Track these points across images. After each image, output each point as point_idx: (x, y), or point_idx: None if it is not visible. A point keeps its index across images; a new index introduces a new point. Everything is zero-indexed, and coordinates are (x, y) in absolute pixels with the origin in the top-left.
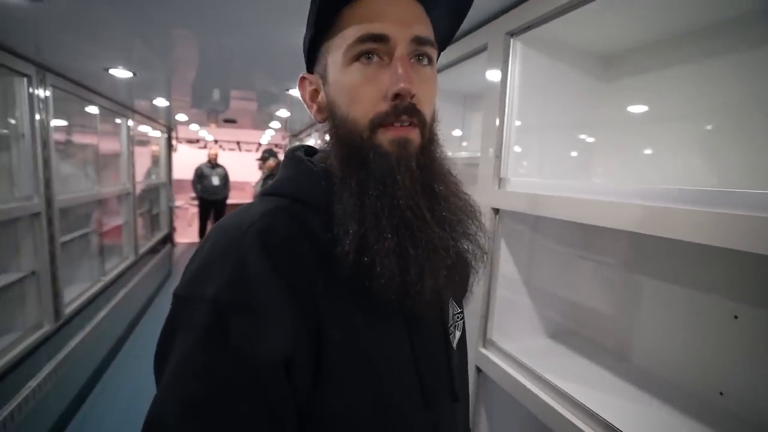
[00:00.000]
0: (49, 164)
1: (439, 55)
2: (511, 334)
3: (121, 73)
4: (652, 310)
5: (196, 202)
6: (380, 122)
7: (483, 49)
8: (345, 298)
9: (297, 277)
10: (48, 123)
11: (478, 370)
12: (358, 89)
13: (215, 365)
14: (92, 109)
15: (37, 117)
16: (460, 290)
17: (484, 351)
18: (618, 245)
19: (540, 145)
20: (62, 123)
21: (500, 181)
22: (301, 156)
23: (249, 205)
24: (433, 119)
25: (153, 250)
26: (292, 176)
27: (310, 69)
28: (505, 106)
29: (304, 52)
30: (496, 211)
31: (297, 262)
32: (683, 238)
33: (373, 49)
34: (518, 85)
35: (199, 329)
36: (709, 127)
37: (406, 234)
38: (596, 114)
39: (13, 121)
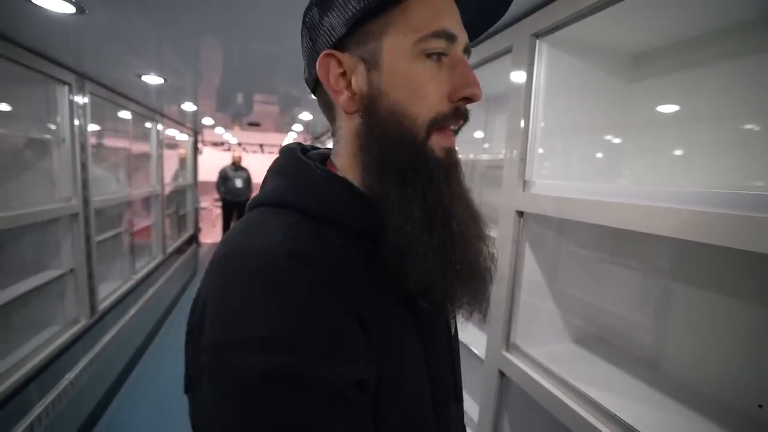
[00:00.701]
0: (87, 167)
1: None
2: (534, 338)
3: (152, 79)
4: (683, 317)
5: (219, 204)
6: (440, 124)
7: (508, 51)
8: (384, 314)
9: (347, 300)
10: (86, 128)
11: (501, 374)
12: (426, 85)
13: (290, 407)
14: (125, 114)
15: (76, 122)
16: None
17: (507, 355)
18: (647, 249)
19: (565, 147)
20: (98, 128)
21: (525, 183)
22: (306, 160)
23: (254, 223)
24: None
25: (179, 250)
26: (297, 185)
27: (335, 45)
28: (530, 108)
29: (336, 19)
30: (521, 214)
31: (342, 282)
32: (717, 243)
33: (443, 48)
34: (543, 86)
35: (257, 374)
36: (745, 127)
37: (458, 241)
38: (624, 115)
39: (54, 127)
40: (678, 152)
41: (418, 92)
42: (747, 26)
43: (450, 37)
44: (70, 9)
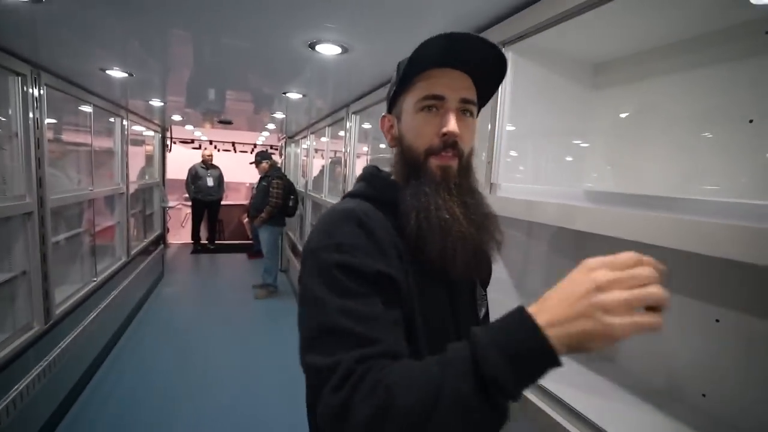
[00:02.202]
0: (43, 163)
1: (480, 108)
2: None
3: (117, 73)
4: None
5: (189, 203)
6: (432, 152)
7: None
8: (410, 264)
9: (387, 238)
10: (42, 122)
11: None
12: (421, 128)
13: (350, 282)
14: (86, 109)
15: (31, 116)
16: (485, 277)
17: None
18: (605, 250)
19: (532, 151)
20: (56, 122)
21: (492, 186)
22: (376, 172)
23: (343, 202)
24: (471, 154)
25: (145, 251)
26: (374, 185)
27: (389, 111)
28: (497, 113)
29: (387, 100)
30: None
31: (386, 231)
32: (659, 244)
33: (433, 103)
34: (510, 92)
35: (334, 253)
36: (700, 134)
37: (443, 227)
38: (587, 120)
39: (4, 119)
40: (637, 156)
41: (417, 133)
42: (703, 39)
43: (437, 98)
44: None
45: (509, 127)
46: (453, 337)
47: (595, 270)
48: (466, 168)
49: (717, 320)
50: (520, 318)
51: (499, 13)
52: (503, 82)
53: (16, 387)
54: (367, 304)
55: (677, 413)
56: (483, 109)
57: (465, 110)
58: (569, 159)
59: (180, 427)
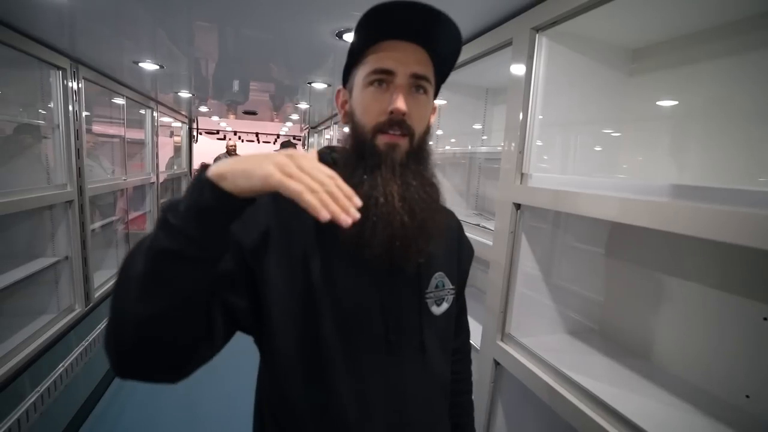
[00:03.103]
0: (81, 154)
1: (440, 83)
2: (529, 329)
3: (148, 65)
4: (675, 309)
5: None
6: (379, 129)
7: (508, 43)
8: (329, 246)
9: (290, 219)
10: (80, 114)
11: (496, 363)
12: (368, 105)
13: None
14: (119, 101)
15: (71, 108)
16: (455, 270)
17: (502, 344)
18: (642, 243)
19: (564, 140)
20: (89, 114)
21: (522, 176)
22: (323, 152)
23: None
24: (425, 134)
25: None
26: None
27: (344, 85)
28: (528, 101)
29: (342, 74)
30: (518, 206)
31: (295, 210)
32: (708, 237)
33: (381, 78)
34: (543, 79)
35: None
36: (742, 123)
37: (371, 205)
38: (622, 109)
39: (44, 112)
40: (675, 146)
41: (364, 110)
42: (746, 23)
43: (386, 72)
44: None
45: (540, 116)
46: (377, 323)
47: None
48: (417, 149)
49: (765, 318)
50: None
51: None
52: (535, 67)
53: (61, 364)
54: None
55: (718, 414)
56: (513, 97)
57: (418, 86)
58: (599, 149)
59: (207, 400)
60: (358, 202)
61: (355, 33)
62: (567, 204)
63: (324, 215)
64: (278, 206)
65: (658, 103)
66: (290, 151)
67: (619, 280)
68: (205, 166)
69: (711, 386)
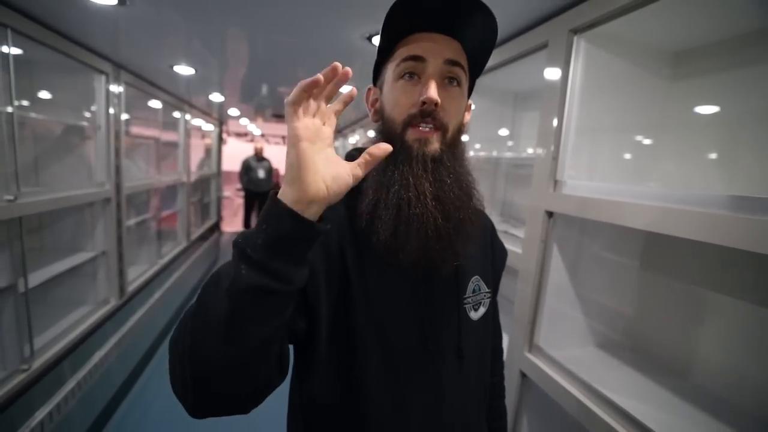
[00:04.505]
0: (120, 154)
1: (473, 80)
2: (558, 341)
3: (183, 69)
4: (715, 326)
5: (242, 194)
6: (409, 122)
7: (543, 46)
8: (364, 251)
9: (330, 233)
10: (120, 116)
11: (522, 374)
12: (398, 97)
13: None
14: (155, 104)
15: (111, 111)
16: (489, 273)
17: (529, 356)
18: (680, 255)
19: (598, 147)
20: (131, 116)
21: (556, 183)
22: (351, 153)
23: None
24: (459, 129)
25: (203, 237)
26: None
27: (375, 83)
28: (564, 107)
29: (373, 72)
30: (550, 214)
31: (331, 216)
32: (753, 250)
33: (412, 67)
34: (579, 84)
35: None
36: None
37: (403, 206)
38: (662, 114)
39: (90, 115)
40: (713, 155)
41: (395, 103)
42: None
43: (416, 58)
44: (113, 1)
45: (576, 122)
46: (415, 332)
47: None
48: (451, 144)
49: None
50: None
51: (568, 0)
52: (572, 71)
53: (96, 354)
54: None
55: None
56: (547, 102)
57: (451, 78)
58: (636, 156)
59: None
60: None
61: (383, 26)
62: (603, 213)
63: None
64: (346, 206)
65: (698, 109)
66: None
67: (653, 294)
68: (275, 191)
69: (752, 407)
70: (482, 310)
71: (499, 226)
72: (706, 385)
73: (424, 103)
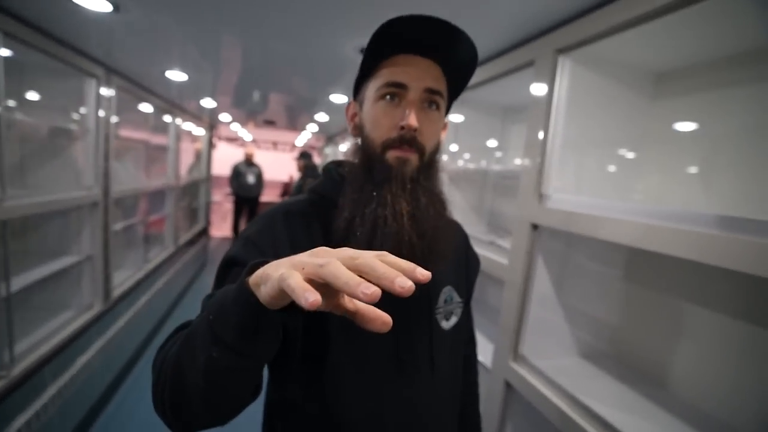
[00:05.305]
0: (109, 158)
1: (452, 99)
2: (542, 350)
3: (176, 75)
4: (693, 337)
5: (231, 198)
6: (389, 145)
7: (529, 64)
8: None
9: (303, 241)
10: (110, 120)
11: (507, 384)
12: (379, 119)
13: (233, 273)
14: (145, 108)
15: (101, 114)
16: (463, 282)
17: (514, 365)
18: (663, 269)
19: (583, 161)
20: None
21: (541, 196)
22: (329, 168)
23: (295, 197)
24: (436, 150)
25: (191, 242)
26: (322, 182)
27: (355, 98)
28: (549, 122)
29: (354, 86)
30: (535, 227)
31: (305, 232)
32: (729, 267)
33: (394, 92)
34: (564, 100)
35: (238, 245)
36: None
37: (380, 223)
38: (644, 131)
39: (76, 117)
40: (693, 170)
41: (375, 124)
42: None
43: (399, 86)
44: (108, 8)
45: (561, 137)
46: (387, 342)
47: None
48: (428, 165)
49: None
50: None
51: (554, 20)
52: (557, 88)
53: (79, 360)
54: None
55: None
56: (533, 117)
57: (431, 102)
58: (618, 171)
59: None
60: (425, 273)
61: (368, 46)
62: (587, 227)
63: (306, 298)
64: (288, 225)
65: (678, 126)
66: (321, 249)
67: (637, 305)
68: (253, 267)
69: (728, 417)
70: (454, 319)
71: (486, 236)
72: (684, 395)
73: (403, 128)
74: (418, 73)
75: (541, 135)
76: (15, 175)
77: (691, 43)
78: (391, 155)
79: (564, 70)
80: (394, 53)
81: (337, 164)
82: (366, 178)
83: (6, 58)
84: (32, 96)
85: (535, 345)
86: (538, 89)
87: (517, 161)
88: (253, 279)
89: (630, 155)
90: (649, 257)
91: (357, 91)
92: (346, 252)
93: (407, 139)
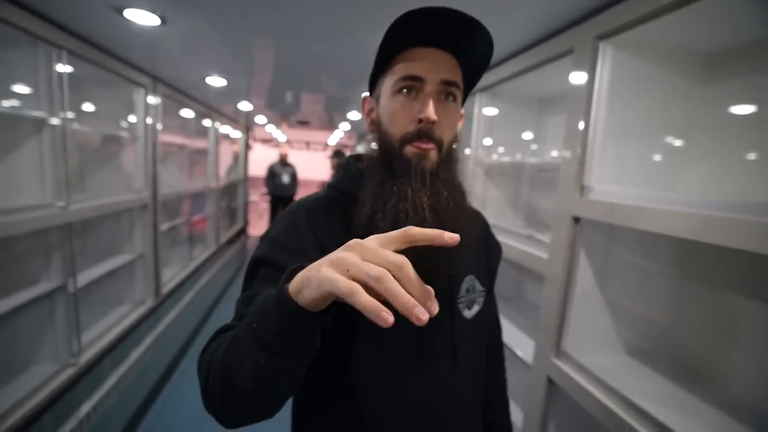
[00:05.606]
0: (156, 162)
1: (468, 90)
2: (586, 347)
3: (215, 80)
4: (754, 336)
5: (268, 198)
6: (407, 140)
7: (568, 52)
8: None
9: (325, 236)
10: (156, 126)
11: (549, 380)
12: (396, 113)
13: (263, 274)
14: (187, 113)
15: (149, 121)
16: (484, 271)
17: (556, 361)
18: (718, 263)
19: (626, 150)
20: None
21: (582, 188)
22: (348, 163)
23: (315, 193)
24: (453, 141)
25: (231, 241)
26: (340, 176)
27: (371, 93)
28: (590, 111)
29: (369, 82)
30: (577, 219)
31: (327, 227)
32: None
33: (411, 85)
34: (606, 88)
35: (264, 245)
36: None
37: (401, 217)
38: (692, 117)
39: (125, 125)
40: (753, 157)
41: (392, 118)
42: None
43: (415, 79)
44: (157, 21)
45: (602, 127)
46: (410, 332)
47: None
48: (446, 157)
49: None
50: (289, 270)
51: (593, 6)
52: (598, 76)
53: (134, 351)
54: (263, 290)
55: None
56: (573, 107)
57: (447, 94)
58: (665, 160)
59: None
60: (435, 308)
61: (383, 40)
62: (635, 219)
63: (383, 319)
64: (311, 222)
65: (733, 109)
66: (354, 242)
67: (688, 301)
68: (293, 272)
69: None
70: (476, 308)
71: (524, 230)
72: (738, 394)
73: (421, 120)
74: (434, 66)
75: (581, 125)
76: (76, 181)
77: (746, 19)
78: (410, 150)
79: (605, 57)
80: (409, 46)
81: (356, 158)
82: (386, 174)
83: (68, 74)
84: (88, 107)
85: (578, 341)
86: (578, 78)
87: (554, 153)
88: (293, 285)
89: (677, 143)
90: (701, 250)
91: (372, 86)
92: (379, 248)
93: (425, 132)
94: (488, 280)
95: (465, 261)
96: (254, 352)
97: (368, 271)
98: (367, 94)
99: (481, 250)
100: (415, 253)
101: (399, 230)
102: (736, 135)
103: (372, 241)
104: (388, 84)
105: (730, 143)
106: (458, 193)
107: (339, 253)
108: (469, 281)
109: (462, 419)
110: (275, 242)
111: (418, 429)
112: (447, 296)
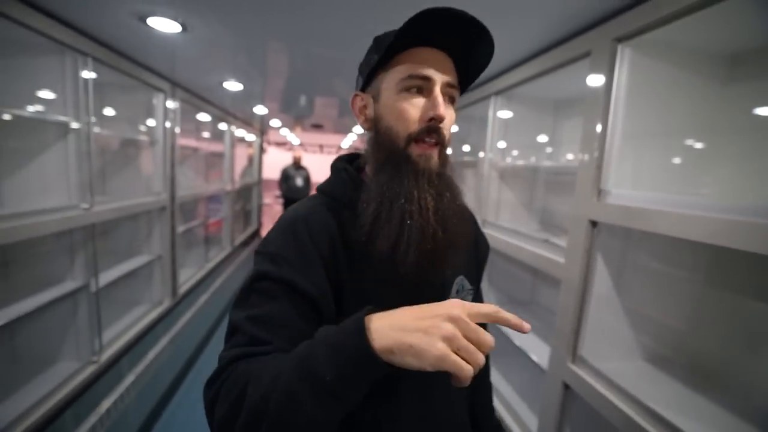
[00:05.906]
0: (174, 165)
1: (459, 95)
2: (603, 353)
3: (232, 85)
4: None
5: (281, 201)
6: (414, 138)
7: (585, 55)
8: (358, 264)
9: (325, 247)
10: (175, 130)
11: (566, 386)
12: (405, 111)
13: (267, 291)
14: (203, 117)
15: (168, 125)
16: (474, 269)
17: (573, 367)
18: (740, 268)
19: (645, 153)
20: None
21: (600, 192)
22: (340, 166)
23: (305, 200)
24: (448, 143)
25: (245, 243)
26: (332, 182)
27: (362, 90)
28: (608, 115)
29: (361, 76)
30: (594, 223)
31: (327, 237)
32: None
33: (420, 84)
34: (624, 91)
35: (266, 260)
36: None
37: (406, 219)
38: (715, 119)
39: (144, 129)
40: None
41: (399, 116)
42: None
43: (423, 78)
44: (178, 28)
45: (621, 130)
46: None
47: (455, 308)
48: (445, 158)
49: None
50: (357, 317)
51: (611, 9)
52: (616, 79)
53: (152, 350)
54: (273, 310)
55: None
56: (590, 110)
57: (450, 96)
58: (686, 164)
59: None
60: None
61: (394, 37)
62: (656, 224)
63: (465, 376)
64: (310, 234)
65: (756, 111)
66: (453, 311)
67: (710, 307)
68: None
69: None
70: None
71: (539, 234)
72: (764, 405)
73: (432, 118)
74: (440, 67)
75: (599, 128)
76: (98, 183)
77: (766, 20)
78: (415, 151)
79: (623, 59)
80: (413, 46)
81: (347, 161)
82: (390, 174)
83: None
84: (109, 111)
85: (594, 347)
86: (595, 81)
87: (570, 156)
88: (382, 344)
89: (698, 145)
90: (721, 256)
91: (365, 82)
92: (479, 327)
93: (434, 129)
94: (477, 278)
95: (456, 261)
96: (325, 403)
97: (474, 356)
98: (358, 91)
99: (471, 248)
100: (420, 256)
101: (490, 307)
102: (764, 136)
103: (459, 308)
104: (391, 81)
105: (754, 145)
106: (457, 193)
107: (446, 329)
108: (460, 281)
109: (455, 420)
110: (278, 258)
111: (414, 429)
112: (438, 298)
